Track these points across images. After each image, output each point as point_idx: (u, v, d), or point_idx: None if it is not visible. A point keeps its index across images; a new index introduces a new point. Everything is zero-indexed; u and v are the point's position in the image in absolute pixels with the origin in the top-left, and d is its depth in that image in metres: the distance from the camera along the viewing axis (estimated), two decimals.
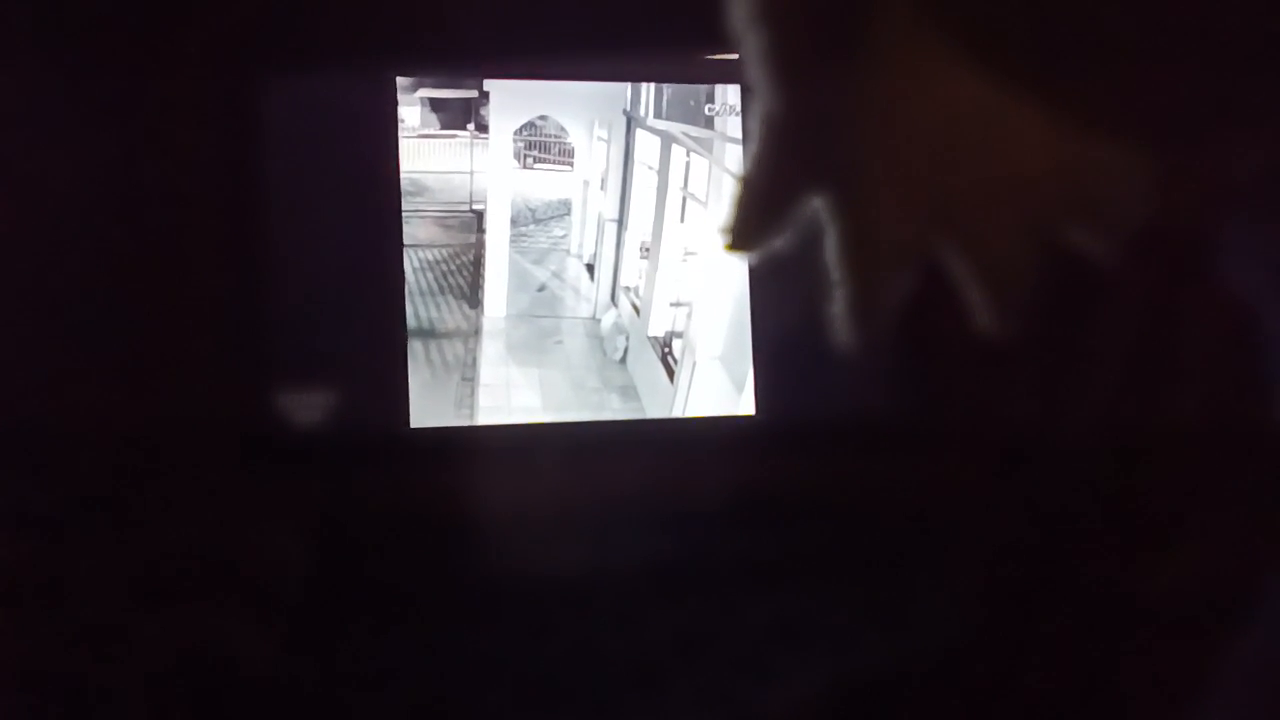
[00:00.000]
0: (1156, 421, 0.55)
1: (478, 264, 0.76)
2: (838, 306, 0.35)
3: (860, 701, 0.56)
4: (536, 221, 0.76)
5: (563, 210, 0.77)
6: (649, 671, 0.56)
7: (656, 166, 0.78)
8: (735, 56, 0.35)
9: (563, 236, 0.78)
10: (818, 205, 0.35)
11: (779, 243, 0.35)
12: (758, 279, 0.70)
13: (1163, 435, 0.55)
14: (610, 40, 0.62)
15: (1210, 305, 0.53)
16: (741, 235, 0.35)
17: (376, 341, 0.66)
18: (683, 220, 0.78)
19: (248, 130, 0.59)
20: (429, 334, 0.74)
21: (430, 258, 0.75)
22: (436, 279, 0.76)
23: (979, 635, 0.56)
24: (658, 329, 0.79)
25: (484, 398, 0.74)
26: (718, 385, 0.76)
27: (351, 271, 0.67)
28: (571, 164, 0.76)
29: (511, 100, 0.74)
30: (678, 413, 0.76)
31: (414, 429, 0.68)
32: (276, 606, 0.54)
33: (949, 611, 0.57)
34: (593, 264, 0.79)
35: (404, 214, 0.71)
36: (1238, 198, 0.41)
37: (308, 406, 0.59)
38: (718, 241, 0.75)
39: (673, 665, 0.56)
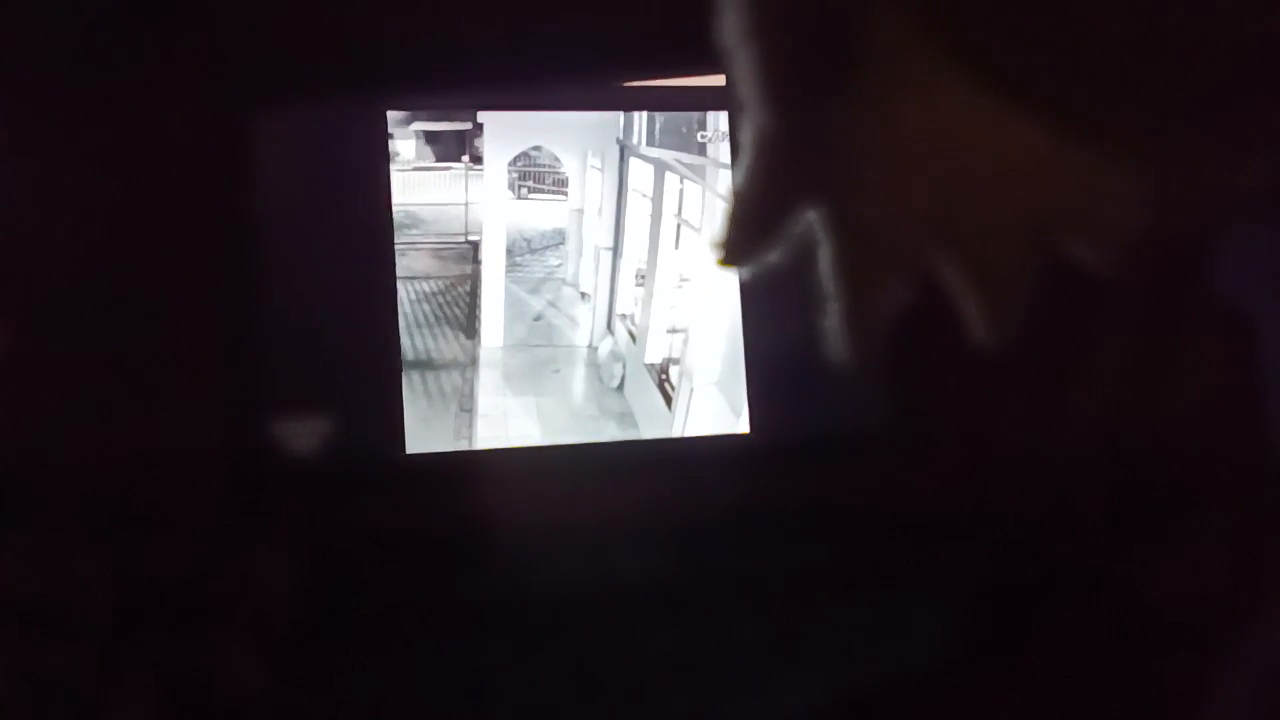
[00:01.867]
0: (1154, 430, 0.55)
1: (474, 295, 0.76)
2: (832, 320, 0.35)
3: (858, 717, 0.55)
4: (532, 251, 0.76)
5: (558, 240, 0.77)
6: (645, 691, 0.56)
7: (650, 194, 0.78)
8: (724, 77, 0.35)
9: (558, 266, 0.78)
10: (811, 219, 0.35)
11: (772, 257, 0.35)
12: (751, 293, 0.70)
13: (1160, 443, 0.55)
14: (601, 63, 0.62)
15: (1207, 313, 0.53)
16: (734, 250, 0.35)
17: (372, 367, 0.66)
18: (677, 247, 0.79)
19: (239, 163, 0.60)
20: (426, 365, 0.74)
21: (427, 289, 0.76)
22: (433, 310, 0.76)
23: (977, 649, 0.56)
24: (654, 356, 0.79)
25: (482, 428, 0.74)
26: (715, 411, 0.76)
27: (346, 298, 0.67)
28: (566, 193, 0.77)
29: (505, 131, 0.75)
30: None
31: (410, 455, 0.68)
32: (271, 632, 0.54)
33: (946, 625, 0.57)
34: (588, 292, 0.79)
35: (400, 246, 0.72)
36: (1234, 206, 0.41)
37: (304, 433, 0.59)
38: (713, 267, 0.75)
39: (669, 683, 0.56)
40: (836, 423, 0.62)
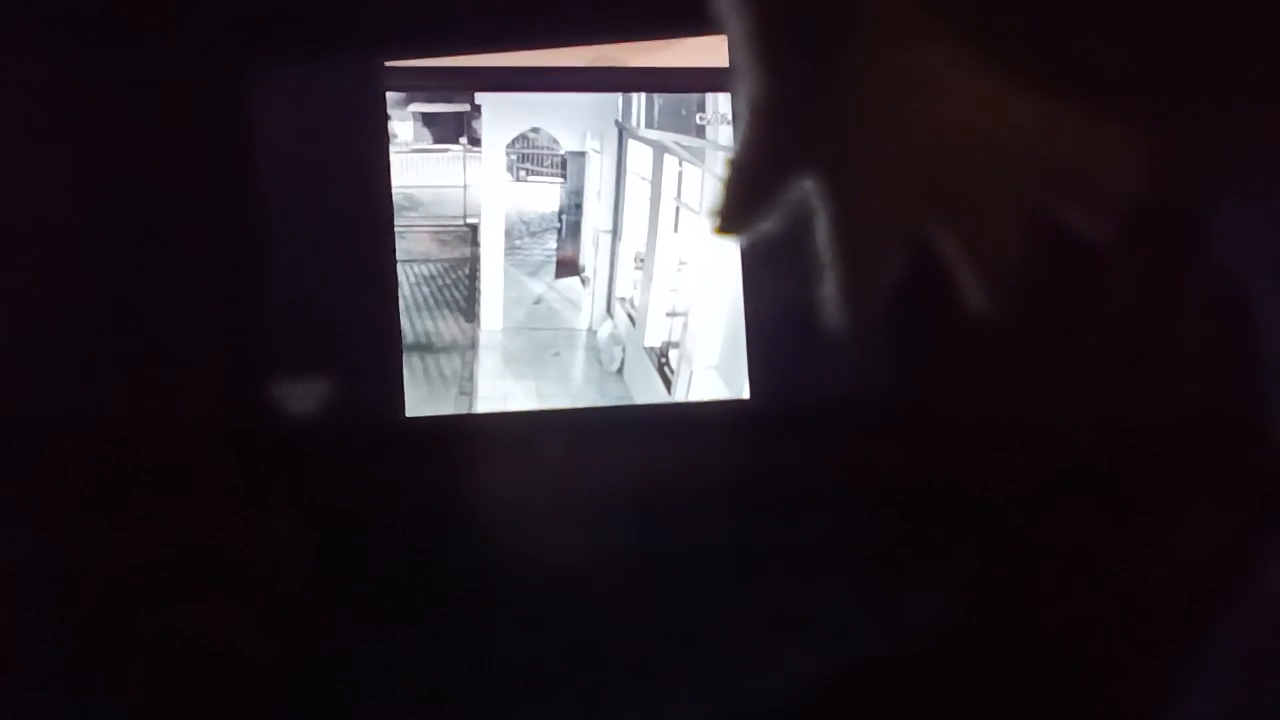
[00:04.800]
0: (1153, 402, 0.55)
1: (473, 277, 0.76)
2: (829, 289, 0.35)
3: (856, 690, 0.55)
4: (531, 234, 0.76)
5: (557, 222, 0.77)
6: (645, 661, 0.56)
7: (649, 177, 0.78)
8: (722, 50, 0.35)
9: (557, 248, 0.78)
10: (808, 187, 0.35)
11: (768, 225, 0.35)
12: (751, 263, 0.70)
13: (1159, 418, 0.55)
14: (597, 23, 0.62)
15: (1205, 287, 0.53)
16: (730, 217, 0.35)
17: (371, 333, 0.66)
18: (676, 230, 0.78)
19: (246, 141, 0.60)
20: (426, 348, 0.73)
21: (426, 272, 0.76)
22: (432, 293, 0.76)
23: (975, 623, 0.56)
24: (654, 339, 0.79)
25: (482, 411, 0.74)
26: (714, 395, 0.76)
27: (345, 266, 0.67)
28: (564, 176, 0.77)
29: (503, 113, 0.74)
30: None
31: (410, 418, 0.68)
32: (274, 599, 0.54)
33: (946, 599, 0.57)
34: (583, 274, 0.79)
35: (398, 229, 0.72)
36: (1232, 179, 0.41)
37: (305, 400, 0.59)
38: (712, 245, 0.75)
39: (668, 654, 0.56)
40: (836, 393, 0.62)
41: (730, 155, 0.35)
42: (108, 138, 0.56)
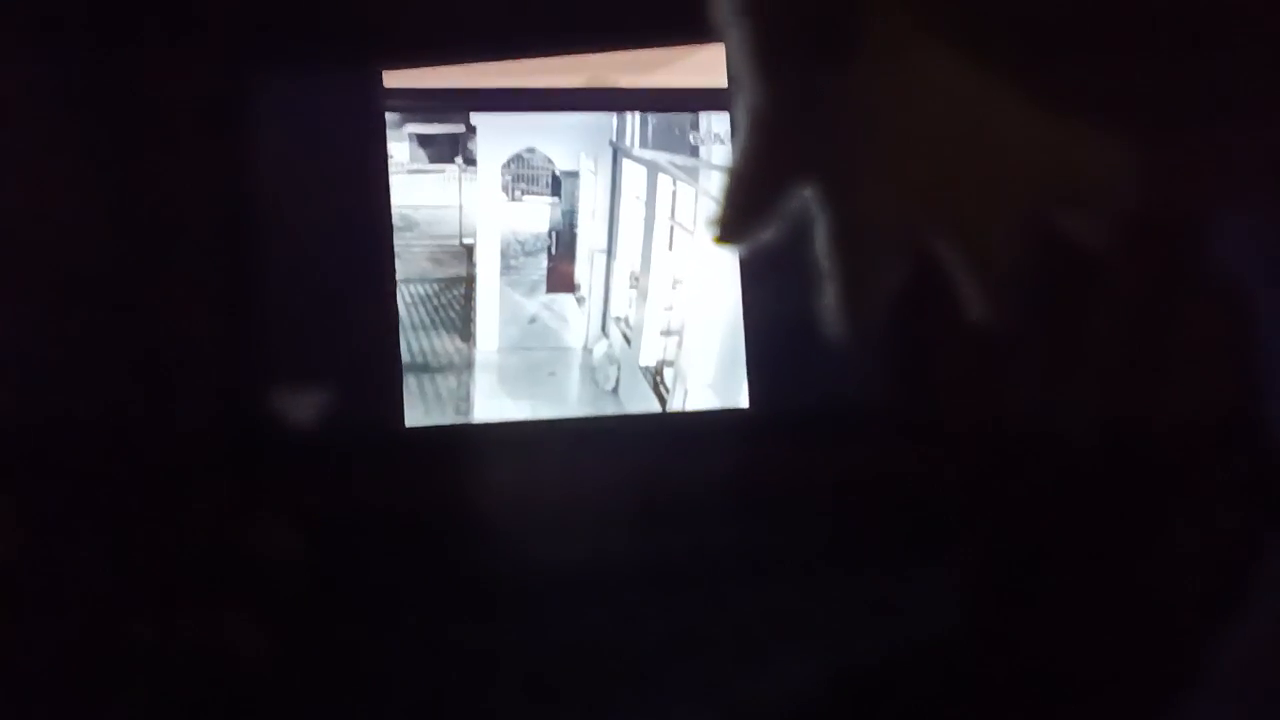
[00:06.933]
0: (1151, 410, 0.55)
1: (469, 297, 0.76)
2: (828, 298, 0.35)
3: (856, 694, 0.55)
4: (526, 253, 0.77)
5: (548, 240, 0.78)
6: (645, 666, 0.56)
7: (644, 196, 0.79)
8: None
9: (549, 266, 0.78)
10: (807, 196, 0.35)
11: (768, 234, 0.35)
12: (750, 270, 0.70)
13: (1157, 424, 0.55)
14: (595, 32, 0.63)
15: (1204, 294, 0.53)
16: (729, 226, 0.35)
17: (370, 345, 0.66)
18: (671, 249, 0.79)
19: (250, 161, 0.60)
20: (422, 369, 0.74)
21: (422, 292, 0.76)
22: (429, 313, 0.76)
23: (975, 627, 0.56)
24: (649, 358, 0.79)
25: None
26: None
27: (345, 278, 0.67)
28: (559, 196, 0.77)
29: (498, 133, 0.75)
30: None
31: (409, 429, 0.68)
32: (273, 605, 0.54)
33: (944, 604, 0.57)
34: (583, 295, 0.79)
35: (395, 249, 0.72)
36: (1231, 186, 0.42)
37: (305, 409, 0.59)
38: (706, 268, 0.75)
39: (668, 660, 0.56)
40: (835, 400, 0.62)
41: (729, 164, 0.36)
42: (112, 155, 0.57)
